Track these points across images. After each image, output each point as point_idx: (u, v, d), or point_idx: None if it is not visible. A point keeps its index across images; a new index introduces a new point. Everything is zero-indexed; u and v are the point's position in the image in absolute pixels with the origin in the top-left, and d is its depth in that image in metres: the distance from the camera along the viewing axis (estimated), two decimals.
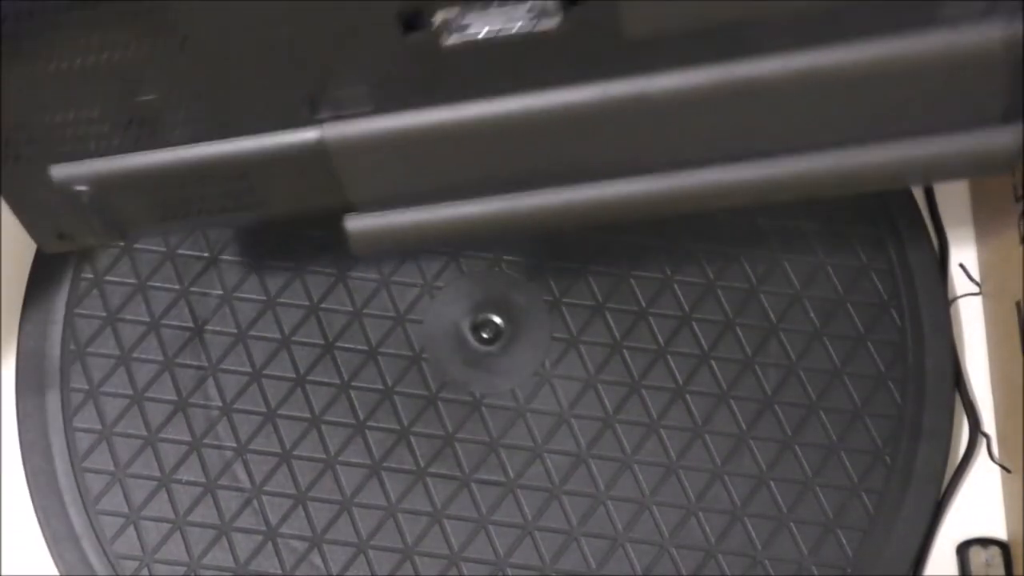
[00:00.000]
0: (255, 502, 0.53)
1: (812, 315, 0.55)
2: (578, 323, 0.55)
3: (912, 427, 0.54)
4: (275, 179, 0.44)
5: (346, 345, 0.55)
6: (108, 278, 0.56)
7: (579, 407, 0.54)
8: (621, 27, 0.38)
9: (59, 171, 0.43)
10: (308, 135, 0.42)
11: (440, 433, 0.54)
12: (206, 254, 0.56)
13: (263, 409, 0.54)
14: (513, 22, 0.38)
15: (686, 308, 0.55)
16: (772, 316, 0.55)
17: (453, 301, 0.56)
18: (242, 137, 0.42)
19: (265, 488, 0.53)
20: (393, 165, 0.42)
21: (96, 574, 0.52)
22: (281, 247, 0.56)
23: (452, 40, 0.38)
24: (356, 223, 0.45)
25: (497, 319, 0.56)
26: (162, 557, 0.52)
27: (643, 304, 0.56)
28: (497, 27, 0.38)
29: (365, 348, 0.55)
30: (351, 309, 0.55)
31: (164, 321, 0.55)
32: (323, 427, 0.54)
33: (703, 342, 0.55)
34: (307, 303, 0.56)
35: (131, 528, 0.52)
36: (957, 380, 0.55)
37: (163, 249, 0.56)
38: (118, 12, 0.38)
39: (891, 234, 0.57)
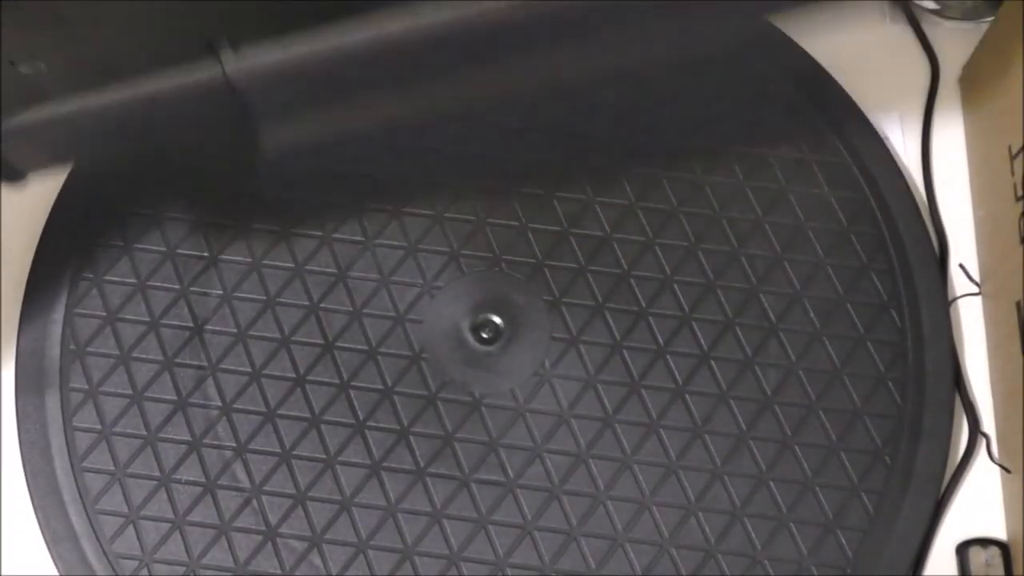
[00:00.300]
0: (255, 502, 0.53)
1: (812, 315, 0.55)
2: (578, 323, 0.55)
3: (912, 427, 0.54)
4: (174, 110, 0.44)
5: (346, 345, 0.55)
6: (108, 278, 0.56)
7: (579, 407, 0.54)
8: None
9: None
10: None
11: (440, 433, 0.54)
12: (206, 254, 0.56)
13: (263, 409, 0.54)
14: None
15: (686, 308, 0.55)
16: (772, 316, 0.55)
17: (453, 301, 0.56)
18: (132, 81, 0.43)
19: (265, 488, 0.53)
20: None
21: (96, 574, 0.52)
22: (282, 247, 0.56)
23: None
24: (234, 62, 0.45)
25: (497, 319, 0.56)
26: (161, 557, 0.52)
27: (643, 304, 0.56)
28: None
29: (365, 348, 0.55)
30: (351, 309, 0.55)
31: (164, 321, 0.55)
32: (323, 427, 0.54)
33: (703, 342, 0.55)
34: (307, 303, 0.56)
35: (130, 528, 0.52)
36: (957, 380, 0.55)
37: (163, 249, 0.56)
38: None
39: (891, 234, 0.57)
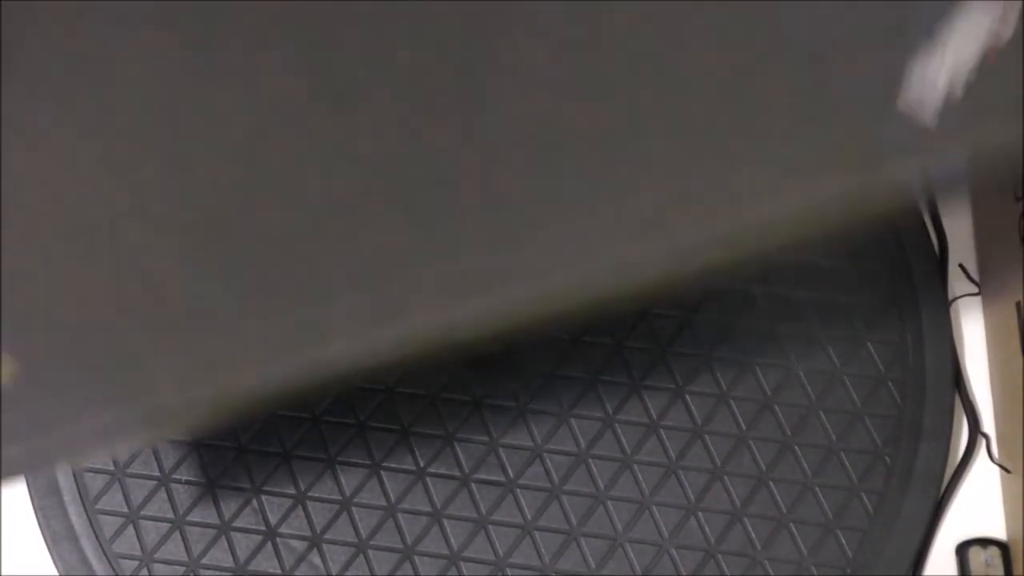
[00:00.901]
0: (255, 502, 0.53)
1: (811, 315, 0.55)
2: (579, 324, 0.55)
3: (912, 427, 0.54)
4: None
5: None
6: None
7: (579, 407, 0.54)
8: None
9: None
10: None
11: (440, 433, 0.54)
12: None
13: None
14: None
15: (686, 308, 0.55)
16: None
17: None
18: None
19: (265, 488, 0.53)
20: None
21: (95, 574, 0.52)
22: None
23: None
24: None
25: None
26: (161, 557, 0.52)
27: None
28: None
29: None
30: None
31: None
32: (323, 427, 0.54)
33: (703, 342, 0.55)
34: None
35: (130, 528, 0.52)
36: (957, 380, 0.55)
37: None
38: None
39: (891, 234, 0.57)
